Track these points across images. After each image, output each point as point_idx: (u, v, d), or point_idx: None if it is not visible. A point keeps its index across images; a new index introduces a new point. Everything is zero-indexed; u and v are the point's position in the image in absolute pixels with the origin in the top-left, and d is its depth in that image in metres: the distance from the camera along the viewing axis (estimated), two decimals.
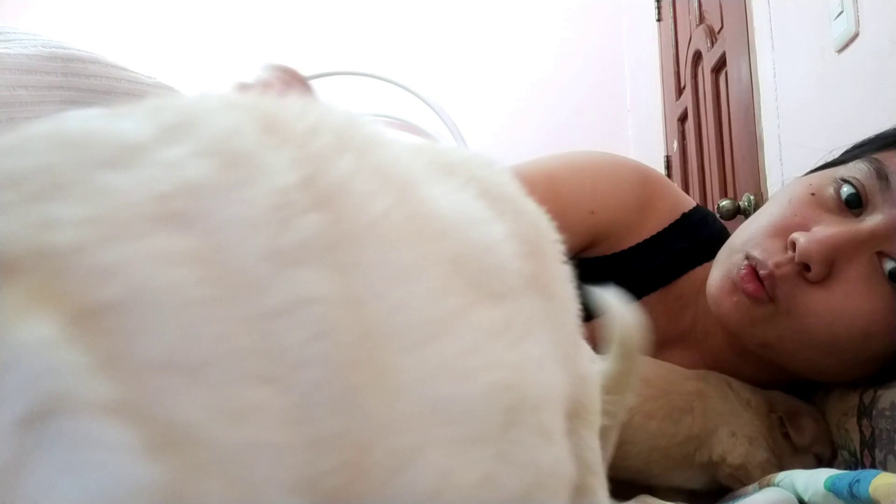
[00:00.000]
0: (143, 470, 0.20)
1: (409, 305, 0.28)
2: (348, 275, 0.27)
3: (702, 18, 2.12)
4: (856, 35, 1.10)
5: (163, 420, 0.21)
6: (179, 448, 0.21)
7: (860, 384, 0.68)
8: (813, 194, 0.68)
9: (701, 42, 2.11)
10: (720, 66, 1.95)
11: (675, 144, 2.47)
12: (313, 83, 1.15)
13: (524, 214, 0.39)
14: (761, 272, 0.67)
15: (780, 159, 1.44)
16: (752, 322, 0.69)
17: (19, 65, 0.64)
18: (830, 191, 0.67)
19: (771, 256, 0.67)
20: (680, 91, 2.41)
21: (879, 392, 0.64)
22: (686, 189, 2.37)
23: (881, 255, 0.63)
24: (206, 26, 3.42)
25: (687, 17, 2.28)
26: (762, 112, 1.56)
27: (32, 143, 0.26)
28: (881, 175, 0.64)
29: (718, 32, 1.94)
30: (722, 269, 0.72)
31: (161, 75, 0.78)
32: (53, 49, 0.68)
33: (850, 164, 0.68)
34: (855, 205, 0.66)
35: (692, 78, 2.23)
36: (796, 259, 0.65)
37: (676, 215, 0.84)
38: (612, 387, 0.51)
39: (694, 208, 0.86)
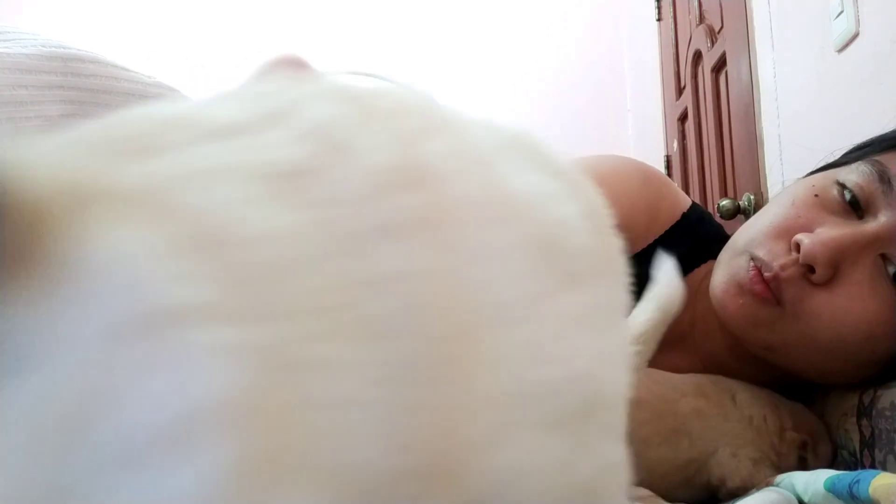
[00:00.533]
0: (236, 374, 0.21)
1: (500, 286, 0.28)
2: (442, 252, 0.27)
3: (702, 18, 2.12)
4: (856, 35, 1.10)
5: (262, 331, 0.22)
6: (275, 358, 0.22)
7: (861, 385, 0.68)
8: (816, 195, 0.68)
9: (701, 42, 2.11)
10: (720, 65, 1.95)
11: (675, 144, 2.47)
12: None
13: (589, 194, 0.39)
14: (766, 274, 0.66)
15: (780, 159, 1.44)
16: (756, 325, 0.68)
17: (19, 64, 0.64)
18: (833, 192, 0.67)
19: (775, 258, 0.66)
20: (680, 91, 2.41)
21: (879, 392, 0.64)
22: (686, 189, 2.37)
23: (884, 257, 0.63)
24: (207, 26, 3.42)
25: (687, 17, 2.28)
26: (762, 112, 1.56)
27: (140, 116, 0.28)
28: (883, 178, 0.64)
29: (718, 32, 1.94)
30: (726, 270, 0.71)
31: (161, 75, 0.78)
32: (53, 48, 0.68)
33: (853, 166, 0.68)
34: (858, 207, 0.65)
35: (692, 78, 2.23)
36: (801, 261, 0.64)
37: (677, 216, 0.84)
38: (642, 337, 0.50)
39: (691, 207, 0.86)
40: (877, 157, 0.67)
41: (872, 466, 0.63)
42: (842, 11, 1.12)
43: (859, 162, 0.68)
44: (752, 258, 0.68)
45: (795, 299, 0.65)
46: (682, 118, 2.39)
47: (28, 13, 3.33)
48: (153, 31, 3.39)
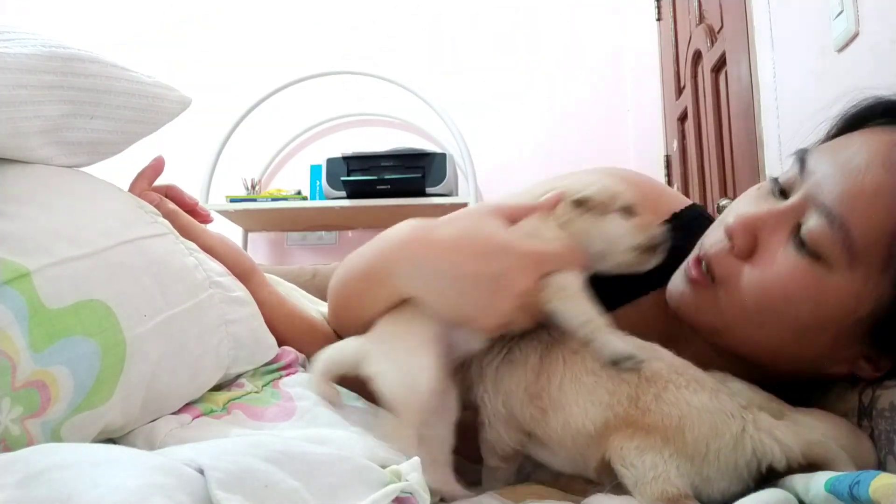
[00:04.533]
0: None
1: None
2: None
3: (702, 18, 2.12)
4: (856, 35, 1.10)
5: None
6: None
7: (852, 381, 0.68)
8: (758, 189, 0.74)
9: (701, 41, 2.11)
10: (720, 65, 1.95)
11: (675, 144, 2.47)
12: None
13: None
14: (701, 256, 0.72)
15: (780, 159, 1.44)
16: (699, 310, 0.73)
17: (19, 64, 0.64)
18: (768, 184, 0.73)
19: (712, 245, 0.72)
20: (680, 90, 2.41)
21: (878, 392, 0.64)
22: (686, 189, 2.37)
23: (800, 226, 0.67)
24: (207, 26, 3.42)
25: (687, 17, 2.28)
26: (762, 112, 1.56)
27: None
28: (801, 160, 0.69)
29: (718, 32, 1.94)
30: (681, 266, 0.77)
31: (161, 75, 0.78)
32: (53, 48, 0.68)
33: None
34: (786, 192, 0.70)
35: (692, 77, 2.23)
36: (724, 235, 0.70)
37: (664, 215, 0.85)
38: None
39: (687, 207, 0.87)
40: (815, 147, 0.72)
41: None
42: (841, 11, 1.13)
43: (795, 154, 0.73)
44: (699, 249, 0.74)
45: (725, 275, 0.70)
46: (682, 118, 2.39)
47: (27, 13, 3.33)
48: (153, 31, 3.39)
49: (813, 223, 0.65)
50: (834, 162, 0.66)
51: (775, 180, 0.71)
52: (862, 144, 0.66)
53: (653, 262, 0.71)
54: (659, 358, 0.65)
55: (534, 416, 0.63)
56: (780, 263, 0.66)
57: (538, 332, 0.69)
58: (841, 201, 0.63)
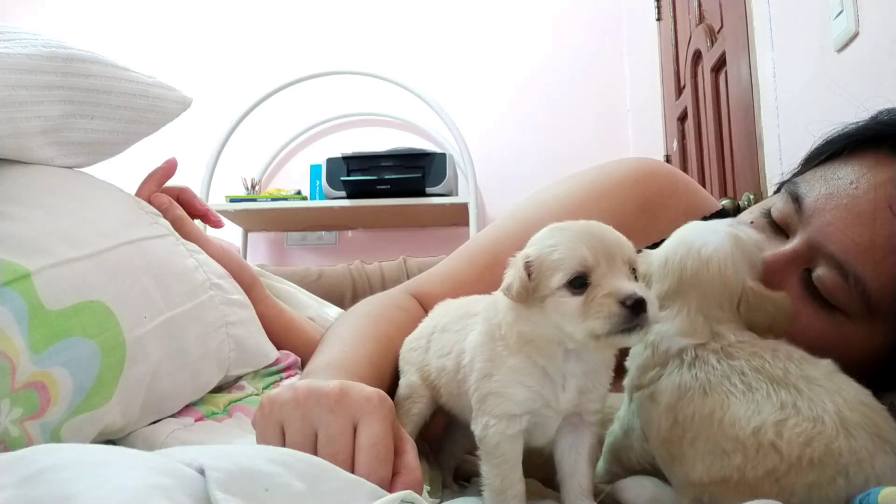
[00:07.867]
0: None
1: None
2: None
3: (701, 18, 2.12)
4: (856, 35, 1.10)
5: None
6: None
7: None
8: (752, 222, 0.72)
9: (701, 41, 2.11)
10: (720, 65, 1.95)
11: (675, 144, 2.47)
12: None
13: None
14: None
15: (780, 159, 1.44)
16: None
17: (19, 64, 0.64)
18: (763, 220, 0.71)
19: None
20: (680, 90, 2.41)
21: (879, 393, 0.64)
22: None
23: (809, 272, 0.65)
24: (207, 26, 3.41)
25: (687, 17, 2.28)
26: (762, 111, 1.56)
27: None
28: (795, 198, 0.67)
29: (718, 32, 1.94)
30: None
31: (161, 75, 0.77)
32: (53, 49, 0.68)
33: (779, 194, 0.71)
34: (783, 230, 0.69)
35: (692, 77, 2.23)
36: None
37: (695, 217, 0.85)
38: None
39: (718, 212, 0.86)
40: (801, 176, 0.70)
41: None
42: (841, 11, 1.13)
43: (784, 188, 0.71)
44: None
45: None
46: (682, 118, 2.39)
47: (29, 13, 3.33)
48: (153, 31, 3.39)
49: (825, 274, 0.63)
50: (836, 202, 0.64)
51: (767, 213, 0.70)
52: (861, 179, 0.64)
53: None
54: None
55: (663, 458, 0.61)
56: (800, 318, 0.64)
57: (676, 369, 0.60)
58: (852, 253, 0.62)
